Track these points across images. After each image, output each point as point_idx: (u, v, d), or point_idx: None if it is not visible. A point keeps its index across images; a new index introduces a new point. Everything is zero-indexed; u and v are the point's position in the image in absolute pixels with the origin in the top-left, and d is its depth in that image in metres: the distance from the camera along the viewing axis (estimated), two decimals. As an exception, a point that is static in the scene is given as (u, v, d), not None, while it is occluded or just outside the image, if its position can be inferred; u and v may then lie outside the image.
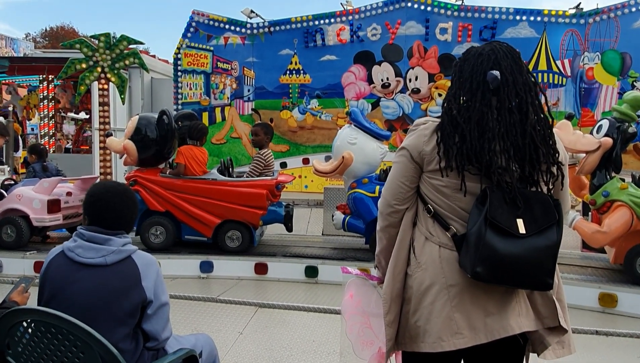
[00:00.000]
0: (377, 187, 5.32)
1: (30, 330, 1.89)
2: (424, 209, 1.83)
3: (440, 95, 9.15)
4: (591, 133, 4.83)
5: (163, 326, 2.13)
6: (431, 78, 9.25)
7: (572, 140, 4.59)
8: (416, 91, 9.40)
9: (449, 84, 1.87)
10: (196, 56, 10.27)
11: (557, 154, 1.77)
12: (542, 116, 1.76)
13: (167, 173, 5.71)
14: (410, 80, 9.43)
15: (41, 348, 1.88)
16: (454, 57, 9.02)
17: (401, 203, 1.87)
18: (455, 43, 9.08)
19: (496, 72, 1.72)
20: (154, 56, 13.67)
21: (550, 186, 1.78)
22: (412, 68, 9.39)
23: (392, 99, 9.61)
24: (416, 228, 1.86)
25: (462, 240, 1.72)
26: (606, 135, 4.65)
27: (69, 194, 6.03)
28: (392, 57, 9.50)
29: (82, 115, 14.60)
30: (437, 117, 1.84)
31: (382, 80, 9.57)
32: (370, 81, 9.67)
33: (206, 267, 5.41)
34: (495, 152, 1.68)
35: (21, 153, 10.99)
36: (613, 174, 4.72)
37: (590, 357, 3.59)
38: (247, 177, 5.65)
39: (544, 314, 1.77)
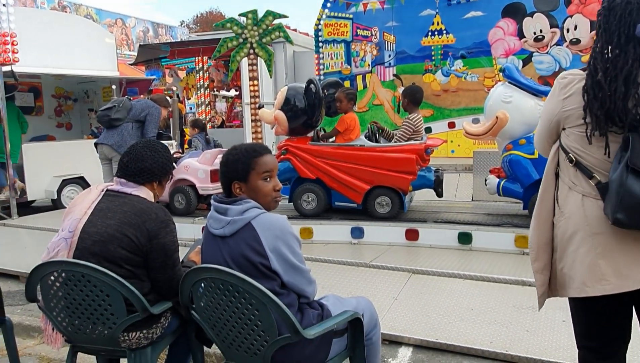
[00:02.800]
0: (536, 148, 4.91)
1: (210, 287, 2.02)
2: (565, 158, 1.87)
3: (604, 44, 8.17)
4: None
5: (304, 283, 2.13)
6: (594, 26, 8.28)
7: None
8: (575, 42, 8.52)
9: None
10: (336, 25, 10.31)
11: None
12: None
13: (320, 136, 5.89)
14: (568, 30, 8.56)
15: (220, 304, 2.00)
16: (622, -1, 7.97)
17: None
18: (624, -18, 8.00)
19: None
20: (295, 30, 14.02)
21: None
22: (571, 16, 8.50)
23: (547, 53, 8.83)
24: (559, 178, 1.91)
25: (606, 188, 1.74)
26: None
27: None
28: (546, 6, 8.68)
29: (232, 92, 15.53)
30: (583, 69, 1.81)
31: (534, 33, 8.82)
32: (520, 35, 8.96)
33: (357, 233, 5.47)
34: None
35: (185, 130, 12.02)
36: None
37: None
38: (395, 142, 5.57)
39: None
